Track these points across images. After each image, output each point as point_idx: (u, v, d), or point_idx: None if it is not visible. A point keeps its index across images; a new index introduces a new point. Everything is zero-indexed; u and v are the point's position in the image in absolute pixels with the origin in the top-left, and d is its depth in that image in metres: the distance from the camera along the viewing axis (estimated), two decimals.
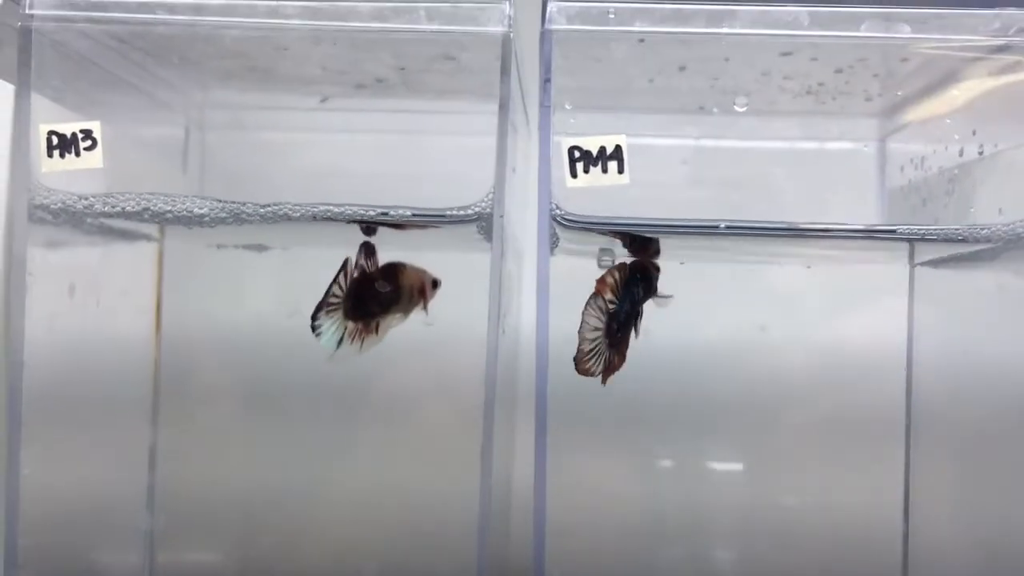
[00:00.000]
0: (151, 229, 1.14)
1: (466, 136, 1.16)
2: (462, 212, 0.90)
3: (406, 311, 1.03)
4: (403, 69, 1.15)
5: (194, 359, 1.18)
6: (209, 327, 1.17)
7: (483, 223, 0.92)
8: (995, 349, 1.02)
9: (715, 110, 1.26)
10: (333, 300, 0.99)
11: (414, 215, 0.91)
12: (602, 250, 1.08)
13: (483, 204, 0.90)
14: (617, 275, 1.06)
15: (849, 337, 1.26)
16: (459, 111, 1.22)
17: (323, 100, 1.29)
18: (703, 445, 1.27)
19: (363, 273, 1.00)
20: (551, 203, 0.88)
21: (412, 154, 1.28)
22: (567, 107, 0.90)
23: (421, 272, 1.03)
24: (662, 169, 1.32)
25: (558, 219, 0.90)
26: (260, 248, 1.16)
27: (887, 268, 1.25)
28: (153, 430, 1.19)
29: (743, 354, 1.25)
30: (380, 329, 1.01)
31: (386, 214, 0.91)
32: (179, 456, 1.19)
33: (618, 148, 0.87)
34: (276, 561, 1.23)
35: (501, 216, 0.89)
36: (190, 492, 1.19)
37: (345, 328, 0.98)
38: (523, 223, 1.09)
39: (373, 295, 1.00)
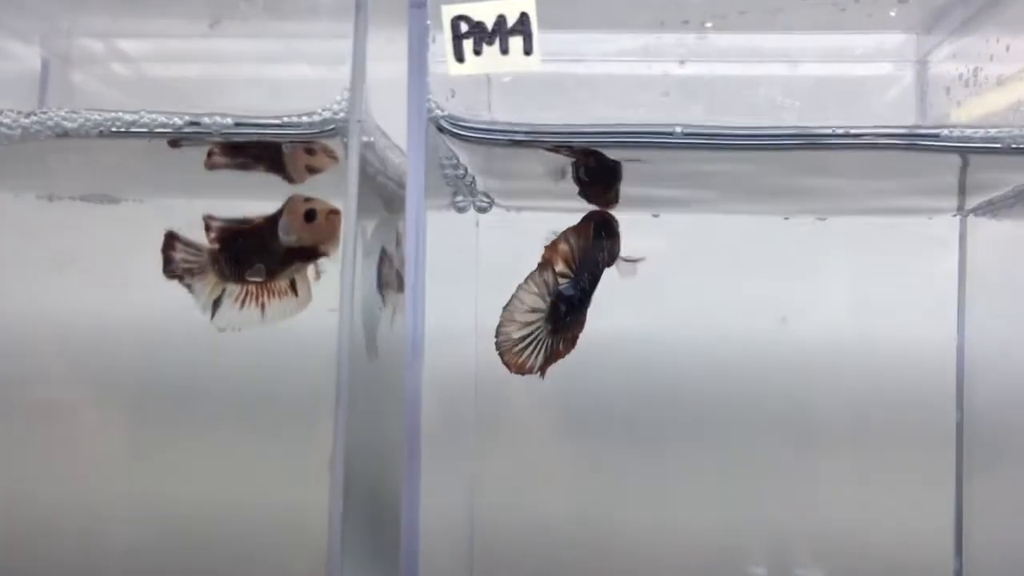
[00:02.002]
0: None
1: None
2: (306, 117, 0.63)
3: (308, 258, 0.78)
4: None
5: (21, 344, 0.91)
6: (40, 307, 0.90)
7: (344, 138, 0.64)
8: None
9: (707, 24, 0.98)
10: (190, 259, 0.74)
11: (239, 125, 0.64)
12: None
13: (336, 106, 0.62)
14: (573, 241, 0.80)
15: (886, 325, 0.96)
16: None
17: (213, 25, 1.04)
18: (674, 453, 0.98)
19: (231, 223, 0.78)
20: (428, 99, 0.61)
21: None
22: None
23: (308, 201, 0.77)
24: (636, 104, 1.04)
25: (440, 124, 0.62)
26: (106, 200, 0.89)
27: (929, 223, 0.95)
28: None
29: (733, 340, 0.95)
30: (299, 288, 0.79)
31: (196, 124, 0.63)
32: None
33: (524, 17, 0.60)
34: None
35: (359, 120, 0.61)
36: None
37: (223, 290, 0.78)
38: None
39: (258, 247, 0.77)
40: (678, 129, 0.67)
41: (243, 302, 0.78)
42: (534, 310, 0.78)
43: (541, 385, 0.80)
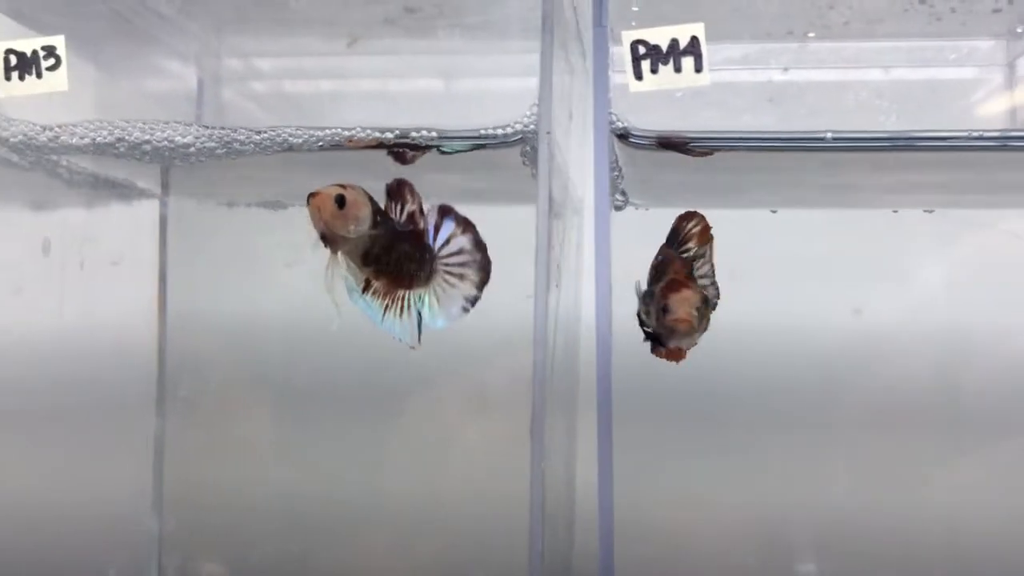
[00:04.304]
0: (150, 183, 0.98)
1: (515, 75, 0.99)
2: (500, 130, 0.72)
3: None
4: None
5: (205, 339, 1.01)
6: (221, 304, 1.00)
7: (527, 147, 0.74)
8: None
9: (810, 34, 1.06)
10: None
11: (442, 137, 0.73)
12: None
13: (526, 119, 0.72)
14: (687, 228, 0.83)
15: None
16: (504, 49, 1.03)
17: (351, 44, 1.13)
18: (789, 441, 1.05)
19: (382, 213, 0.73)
20: (609, 112, 0.70)
21: (455, 100, 1.10)
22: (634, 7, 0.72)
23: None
24: (742, 109, 1.12)
25: (621, 135, 0.71)
26: (278, 206, 0.99)
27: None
28: (160, 425, 1.02)
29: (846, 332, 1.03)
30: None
31: (405, 137, 0.73)
32: (189, 455, 1.02)
33: (694, 40, 0.69)
34: (316, 563, 1.04)
35: (548, 132, 0.71)
36: (200, 496, 1.02)
37: (362, 282, 0.72)
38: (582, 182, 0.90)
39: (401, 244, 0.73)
40: (828, 135, 0.75)
41: (381, 297, 0.73)
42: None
43: (676, 371, 0.88)
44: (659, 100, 1.04)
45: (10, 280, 0.79)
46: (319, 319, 0.91)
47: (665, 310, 0.72)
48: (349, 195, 0.66)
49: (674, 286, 0.73)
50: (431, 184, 0.74)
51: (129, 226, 0.97)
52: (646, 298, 0.77)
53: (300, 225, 0.97)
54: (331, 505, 1.01)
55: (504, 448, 0.93)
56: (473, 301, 0.71)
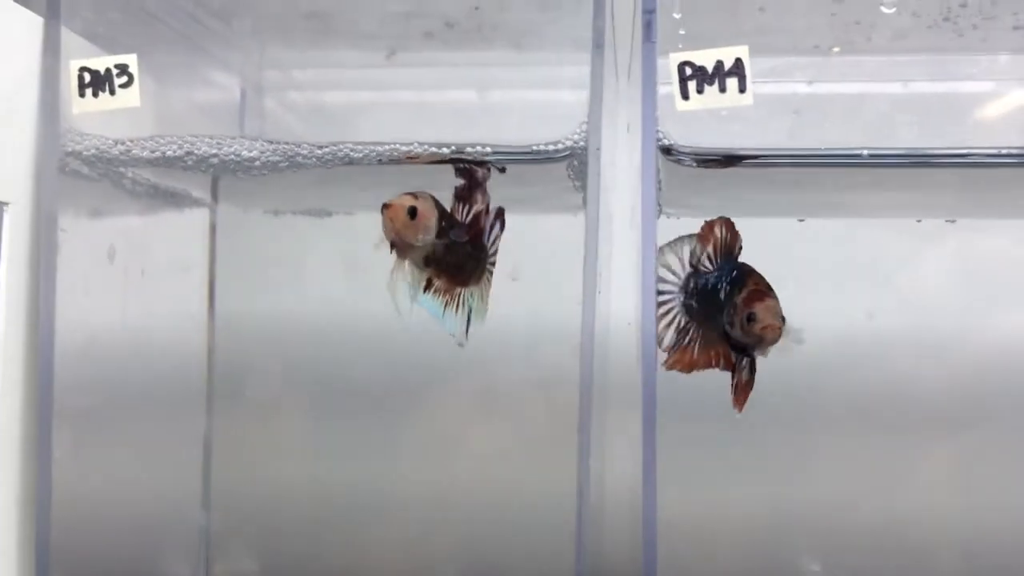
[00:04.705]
0: (202, 192, 1.02)
1: (552, 89, 1.02)
2: (552, 147, 0.76)
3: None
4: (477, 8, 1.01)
5: (251, 342, 1.05)
6: (268, 306, 1.04)
7: (575, 161, 0.78)
8: None
9: (835, 48, 1.10)
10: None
11: (495, 153, 0.77)
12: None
13: (576, 136, 0.76)
14: (724, 233, 0.85)
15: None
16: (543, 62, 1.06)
17: (389, 56, 1.17)
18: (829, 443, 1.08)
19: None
20: (656, 130, 0.74)
21: (490, 113, 1.14)
22: (676, 16, 0.76)
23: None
24: (768, 120, 1.16)
25: (669, 150, 0.75)
26: (322, 214, 1.03)
27: None
28: (208, 424, 1.06)
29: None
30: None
31: (461, 153, 0.77)
32: (236, 454, 1.06)
33: (739, 62, 0.73)
34: (362, 561, 1.08)
35: (598, 149, 0.74)
36: (249, 495, 1.06)
37: (423, 282, 0.76)
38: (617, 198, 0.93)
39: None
40: (864, 152, 0.79)
41: (442, 295, 0.77)
42: (671, 270, 0.83)
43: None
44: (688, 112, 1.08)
45: (79, 284, 0.82)
46: (364, 320, 0.95)
47: (751, 319, 0.76)
48: (420, 206, 0.71)
49: (758, 296, 0.78)
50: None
51: (184, 233, 1.01)
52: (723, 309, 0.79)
53: (342, 232, 1.02)
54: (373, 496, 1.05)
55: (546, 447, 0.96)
56: None
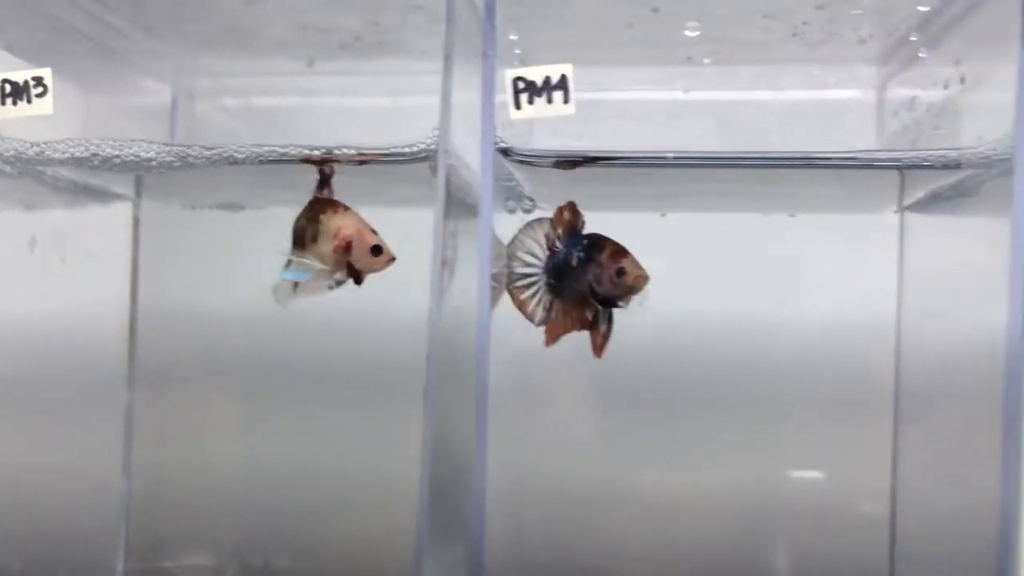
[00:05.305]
0: (126, 188, 1.14)
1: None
2: (408, 148, 0.88)
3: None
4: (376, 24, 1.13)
5: (171, 325, 1.16)
6: (185, 292, 1.16)
7: (434, 162, 0.90)
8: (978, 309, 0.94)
9: (706, 60, 1.22)
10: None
11: (359, 153, 0.89)
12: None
13: (429, 140, 0.88)
14: (570, 216, 0.95)
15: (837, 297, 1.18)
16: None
17: (310, 64, 1.29)
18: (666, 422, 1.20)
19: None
20: (495, 136, 0.86)
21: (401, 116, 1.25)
22: (512, 37, 0.88)
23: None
24: (647, 125, 1.28)
25: (507, 152, 0.87)
26: (236, 208, 1.15)
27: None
28: (129, 400, 1.17)
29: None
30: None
31: (329, 154, 0.89)
32: (155, 427, 1.17)
33: (563, 78, 0.85)
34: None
35: (447, 150, 0.87)
36: (169, 488, 1.17)
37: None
38: None
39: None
40: (671, 155, 0.91)
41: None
42: (532, 254, 0.94)
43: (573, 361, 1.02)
44: (579, 118, 1.21)
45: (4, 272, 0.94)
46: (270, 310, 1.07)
47: (620, 272, 0.88)
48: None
49: (621, 252, 0.90)
50: (346, 188, 0.91)
51: (108, 226, 1.13)
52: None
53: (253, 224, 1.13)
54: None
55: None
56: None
